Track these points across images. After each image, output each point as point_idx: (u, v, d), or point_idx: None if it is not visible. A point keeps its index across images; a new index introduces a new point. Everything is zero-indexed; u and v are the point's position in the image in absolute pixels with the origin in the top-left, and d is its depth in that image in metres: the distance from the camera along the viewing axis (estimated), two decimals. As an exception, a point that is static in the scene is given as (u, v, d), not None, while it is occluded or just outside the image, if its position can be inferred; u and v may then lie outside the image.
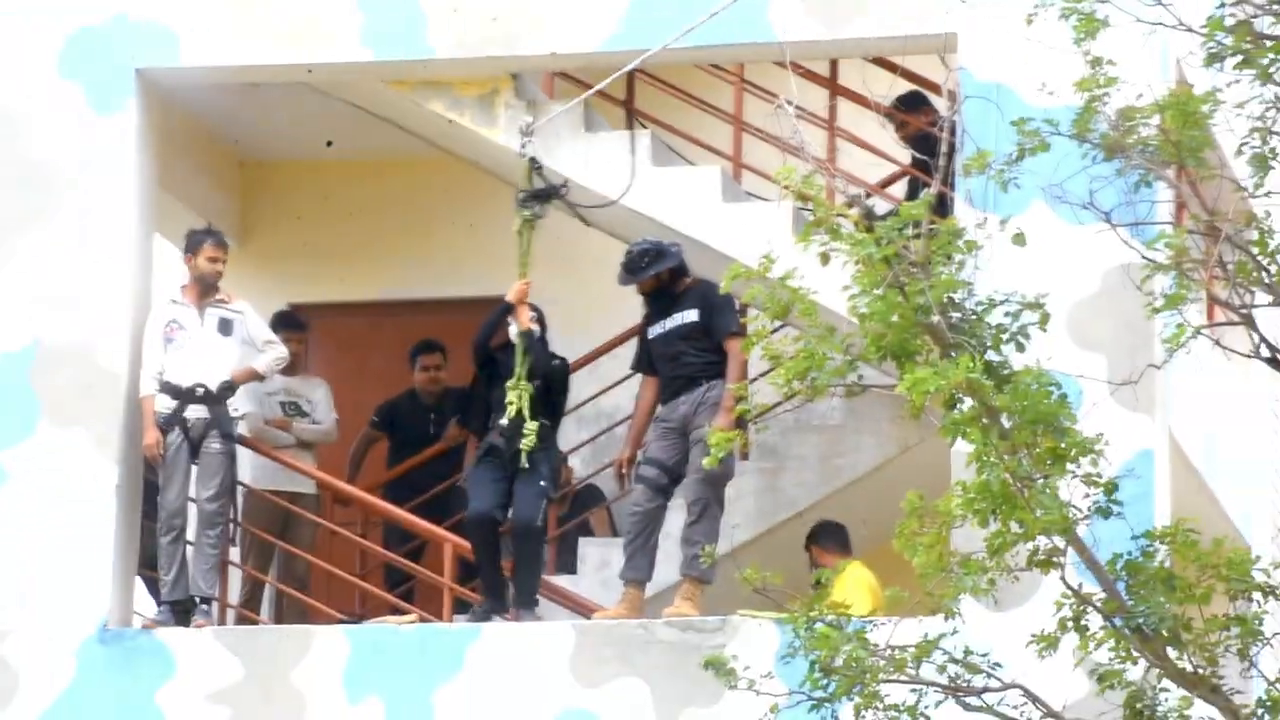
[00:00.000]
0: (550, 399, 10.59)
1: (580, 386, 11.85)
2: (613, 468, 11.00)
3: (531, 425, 10.32)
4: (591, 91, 10.47)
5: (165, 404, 10.48)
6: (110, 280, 10.64)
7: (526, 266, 10.42)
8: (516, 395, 10.41)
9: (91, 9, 10.78)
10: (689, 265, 10.72)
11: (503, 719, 10.05)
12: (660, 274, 10.53)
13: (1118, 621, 8.36)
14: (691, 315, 10.52)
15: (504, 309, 10.66)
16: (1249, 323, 8.52)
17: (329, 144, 12.27)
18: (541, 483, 10.40)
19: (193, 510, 10.55)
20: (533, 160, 10.52)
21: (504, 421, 10.44)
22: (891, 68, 10.47)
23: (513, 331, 10.59)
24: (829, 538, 10.76)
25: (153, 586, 10.87)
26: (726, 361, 10.60)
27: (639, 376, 10.88)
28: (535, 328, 10.68)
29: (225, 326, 10.65)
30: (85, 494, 10.48)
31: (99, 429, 10.53)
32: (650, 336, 10.65)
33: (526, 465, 10.42)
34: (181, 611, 10.47)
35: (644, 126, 11.08)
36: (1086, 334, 10.30)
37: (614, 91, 11.34)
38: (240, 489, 10.88)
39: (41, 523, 10.44)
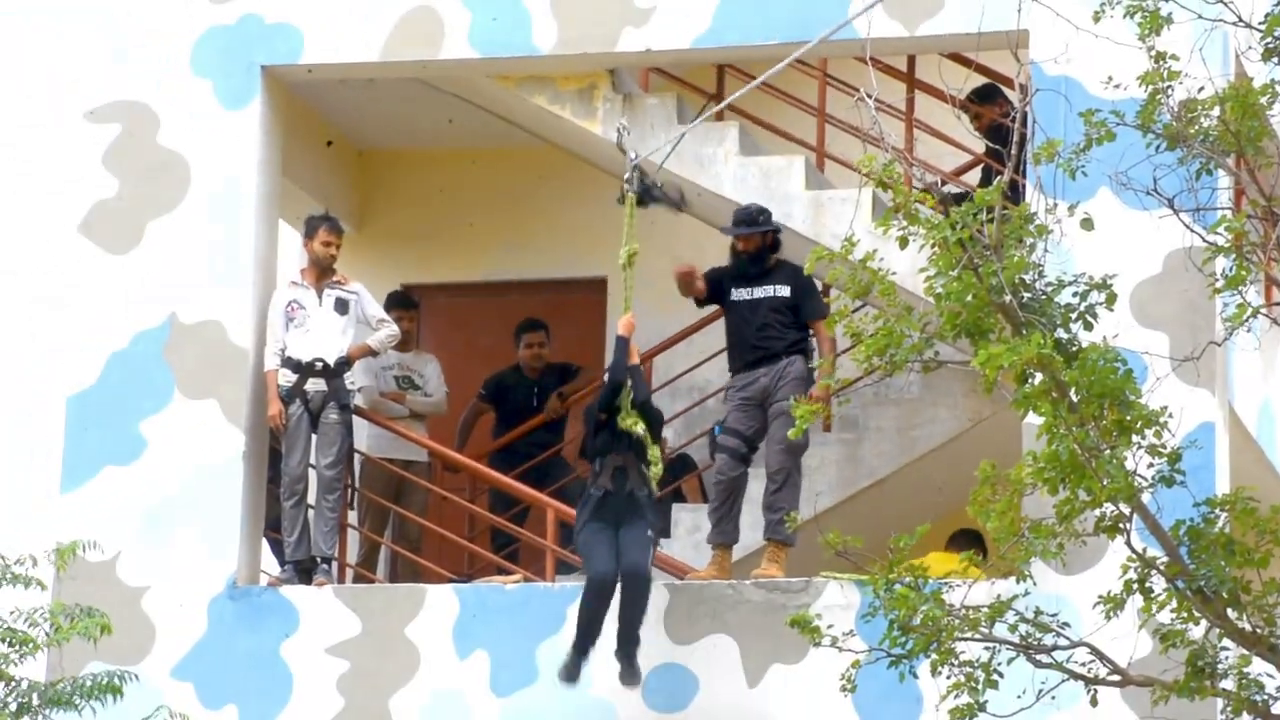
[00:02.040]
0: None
1: (675, 361, 11.89)
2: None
3: (655, 451, 10.03)
4: (745, 91, 10.14)
5: (287, 378, 10.60)
6: (237, 263, 10.76)
7: (631, 293, 10.19)
8: (633, 420, 10.08)
9: (221, 10, 10.92)
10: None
11: (601, 673, 10.06)
12: (767, 235, 10.43)
13: (1180, 584, 8.35)
14: (784, 291, 10.41)
15: (618, 366, 10.24)
16: (1306, 302, 8.44)
17: (450, 121, 12.25)
18: (649, 532, 10.10)
19: (313, 476, 10.66)
20: (636, 172, 10.16)
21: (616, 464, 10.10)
22: (966, 63, 10.42)
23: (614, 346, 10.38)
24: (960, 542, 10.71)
25: (277, 547, 10.99)
26: (807, 340, 10.53)
27: (726, 351, 10.69)
28: (639, 362, 10.40)
29: (342, 306, 10.76)
30: (215, 461, 10.62)
31: (228, 401, 10.65)
32: (735, 299, 10.45)
33: (637, 507, 10.06)
34: (303, 571, 10.58)
35: (734, 118, 11.03)
36: (1150, 313, 10.24)
37: (705, 85, 11.36)
38: (357, 457, 10.99)
39: (176, 487, 10.59)
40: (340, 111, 12.34)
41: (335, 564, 10.69)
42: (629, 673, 9.91)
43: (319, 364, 10.57)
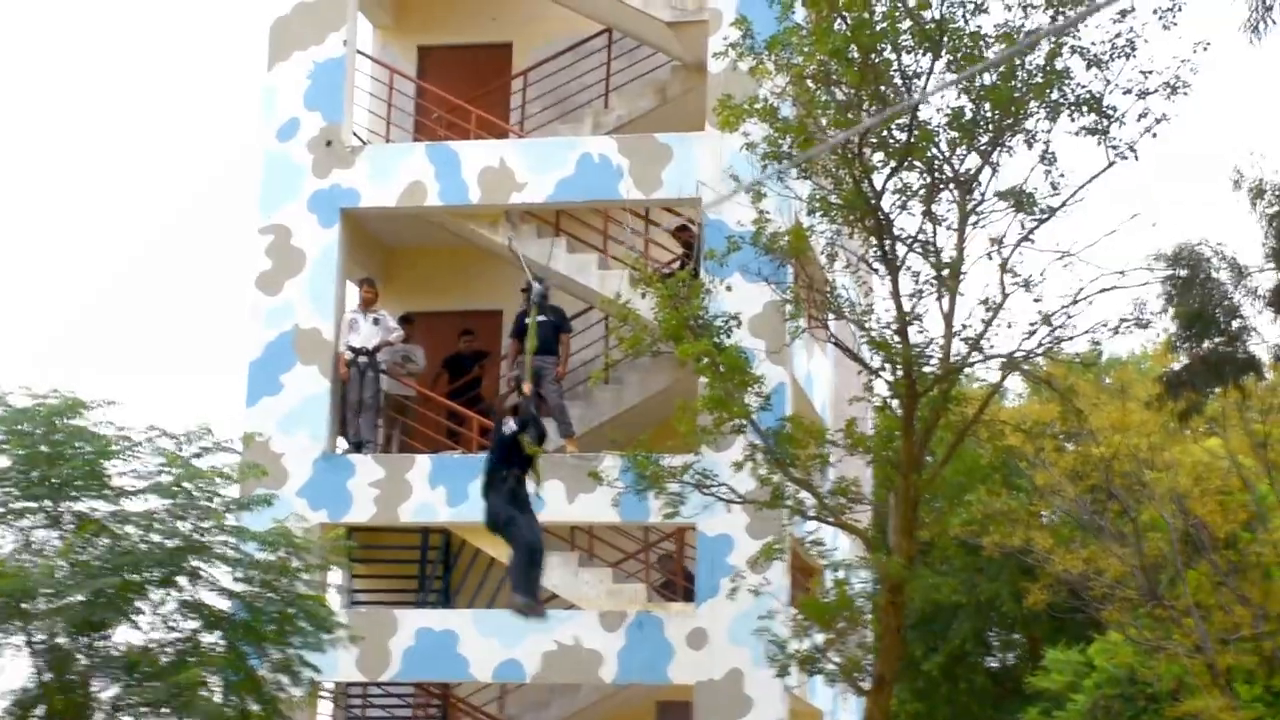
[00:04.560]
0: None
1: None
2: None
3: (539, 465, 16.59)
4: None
5: (349, 356, 19.36)
6: (324, 306, 19.47)
7: (530, 369, 17.40)
8: (529, 446, 16.25)
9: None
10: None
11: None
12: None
13: (770, 456, 17.28)
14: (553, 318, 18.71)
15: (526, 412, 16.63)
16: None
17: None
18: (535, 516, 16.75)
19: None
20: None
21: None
22: (676, 213, 19.56)
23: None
24: None
25: (348, 438, 19.47)
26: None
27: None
28: (532, 411, 16.71)
29: (375, 322, 19.59)
30: (314, 395, 19.23)
31: (323, 368, 19.26)
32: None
33: (527, 499, 16.47)
34: (357, 446, 19.21)
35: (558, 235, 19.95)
36: (758, 329, 18.81)
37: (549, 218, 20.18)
38: (381, 393, 19.74)
39: (300, 404, 19.11)
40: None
41: (373, 444, 19.34)
42: (530, 604, 16.46)
43: (364, 350, 19.35)
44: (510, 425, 16.51)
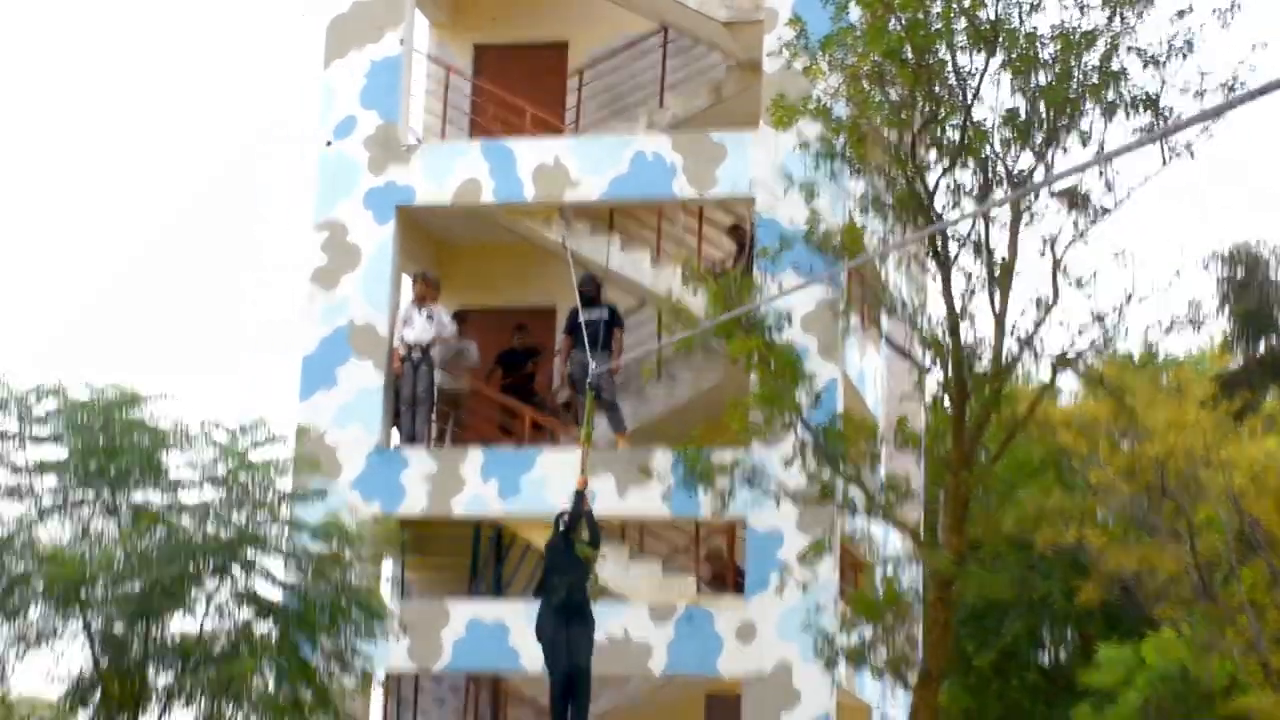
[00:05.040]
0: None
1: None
2: None
3: (596, 571, 14.25)
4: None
5: (403, 351, 19.43)
6: (379, 302, 19.59)
7: (588, 459, 15.41)
8: (586, 551, 14.07)
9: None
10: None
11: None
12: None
13: (822, 450, 16.97)
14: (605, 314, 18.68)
15: (576, 513, 14.42)
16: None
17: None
18: (592, 631, 14.25)
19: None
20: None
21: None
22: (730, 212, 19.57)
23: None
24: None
25: (399, 429, 19.61)
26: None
27: None
28: (590, 507, 14.58)
29: (430, 317, 19.64)
30: (368, 389, 19.34)
31: (377, 363, 19.40)
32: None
33: (583, 612, 14.04)
34: (410, 439, 19.36)
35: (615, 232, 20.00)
36: (810, 327, 18.76)
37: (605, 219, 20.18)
38: (435, 388, 19.73)
39: (354, 399, 19.29)
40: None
41: (426, 438, 19.48)
42: None
43: (417, 346, 19.40)
44: (561, 524, 14.60)
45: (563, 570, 13.74)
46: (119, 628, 14.39)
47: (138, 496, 14.69)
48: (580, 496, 14.04)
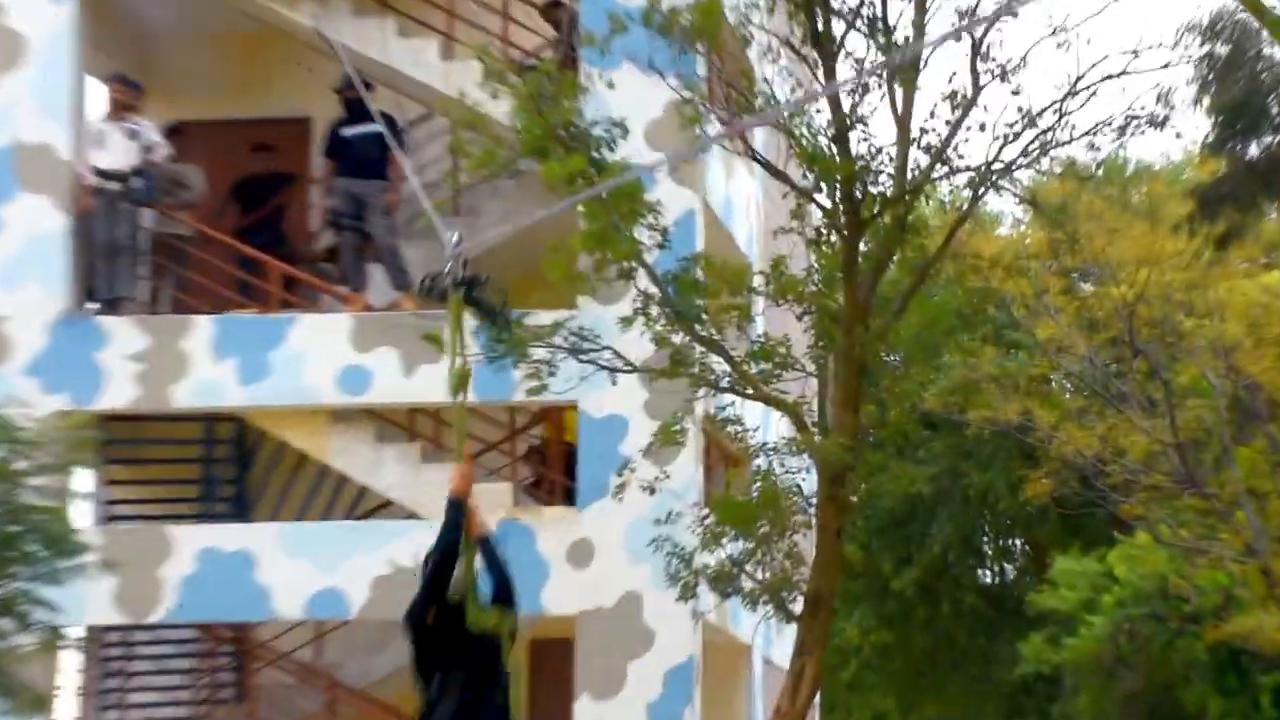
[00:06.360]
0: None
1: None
2: None
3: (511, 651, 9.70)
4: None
5: (95, 182, 18.97)
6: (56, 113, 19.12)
7: (465, 431, 10.34)
8: (489, 616, 9.57)
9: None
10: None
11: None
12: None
13: (669, 310, 15.82)
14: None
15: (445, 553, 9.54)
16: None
17: None
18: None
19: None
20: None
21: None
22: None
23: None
24: None
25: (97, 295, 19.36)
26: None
27: None
28: (491, 531, 9.85)
29: (132, 134, 19.17)
30: (45, 235, 18.91)
31: (58, 198, 18.97)
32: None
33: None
34: (108, 303, 19.09)
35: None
36: (655, 141, 18.15)
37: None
38: (143, 232, 19.36)
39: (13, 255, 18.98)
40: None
41: (133, 301, 19.10)
42: None
43: (115, 174, 18.93)
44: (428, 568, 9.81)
45: (451, 660, 9.77)
46: None
47: None
48: (458, 509, 9.74)
